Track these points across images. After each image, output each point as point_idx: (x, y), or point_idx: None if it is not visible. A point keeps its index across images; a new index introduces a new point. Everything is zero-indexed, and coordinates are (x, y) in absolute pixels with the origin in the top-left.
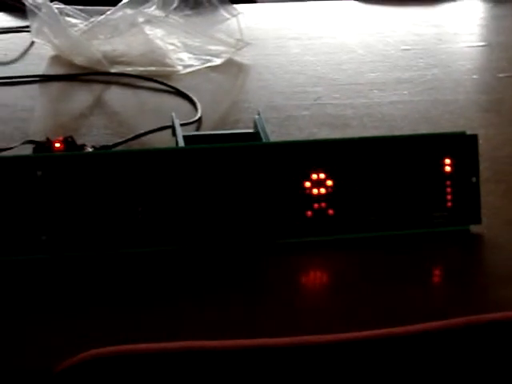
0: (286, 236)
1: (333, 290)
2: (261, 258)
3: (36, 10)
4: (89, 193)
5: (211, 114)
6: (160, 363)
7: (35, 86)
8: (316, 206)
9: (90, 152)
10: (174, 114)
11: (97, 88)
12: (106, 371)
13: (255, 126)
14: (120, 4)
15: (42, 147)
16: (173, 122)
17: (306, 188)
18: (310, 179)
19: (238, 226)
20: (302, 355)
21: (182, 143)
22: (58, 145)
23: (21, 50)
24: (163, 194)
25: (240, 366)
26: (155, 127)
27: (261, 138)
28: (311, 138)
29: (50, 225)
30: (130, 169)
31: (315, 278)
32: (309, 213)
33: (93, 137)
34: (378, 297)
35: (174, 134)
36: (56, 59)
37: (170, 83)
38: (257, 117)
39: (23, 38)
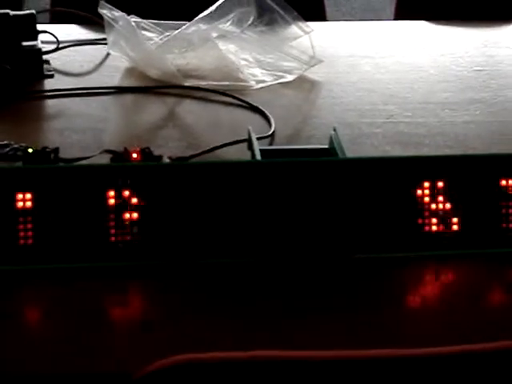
0: (362, 251)
1: (433, 303)
2: (343, 273)
3: (113, 23)
4: (167, 202)
5: (283, 129)
6: (240, 372)
7: (110, 98)
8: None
9: (169, 163)
10: (250, 128)
11: (170, 101)
12: (183, 378)
13: (331, 142)
14: (195, 19)
15: (120, 157)
16: (249, 136)
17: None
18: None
19: (313, 240)
20: (399, 367)
21: (258, 157)
22: (135, 155)
23: (96, 61)
24: (241, 207)
25: (337, 376)
26: (228, 141)
27: (337, 154)
28: (385, 155)
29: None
30: (208, 180)
31: (414, 292)
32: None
33: (168, 148)
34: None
35: (250, 147)
36: (131, 71)
37: (242, 98)
38: (333, 133)
39: (99, 50)
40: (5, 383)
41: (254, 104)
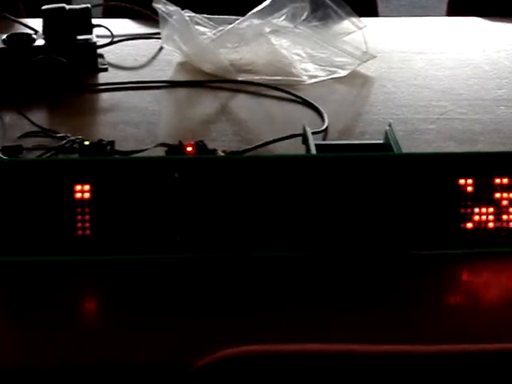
0: (418, 247)
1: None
2: (395, 269)
3: (167, 17)
4: (222, 196)
5: (336, 124)
6: (297, 364)
7: (163, 92)
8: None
9: (224, 156)
10: (305, 123)
11: (223, 95)
12: (243, 370)
13: (386, 138)
14: (248, 14)
15: (175, 150)
16: (304, 131)
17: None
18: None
19: (367, 235)
20: (442, 363)
21: (314, 152)
22: (189, 148)
23: (150, 56)
24: (296, 201)
25: (381, 370)
26: (281, 135)
27: (392, 150)
28: (439, 151)
29: (184, 225)
30: (264, 174)
31: (459, 289)
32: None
33: (222, 142)
34: None
35: (305, 142)
36: (183, 65)
37: (295, 93)
38: (388, 128)
39: (152, 45)
40: (63, 373)
41: (307, 99)
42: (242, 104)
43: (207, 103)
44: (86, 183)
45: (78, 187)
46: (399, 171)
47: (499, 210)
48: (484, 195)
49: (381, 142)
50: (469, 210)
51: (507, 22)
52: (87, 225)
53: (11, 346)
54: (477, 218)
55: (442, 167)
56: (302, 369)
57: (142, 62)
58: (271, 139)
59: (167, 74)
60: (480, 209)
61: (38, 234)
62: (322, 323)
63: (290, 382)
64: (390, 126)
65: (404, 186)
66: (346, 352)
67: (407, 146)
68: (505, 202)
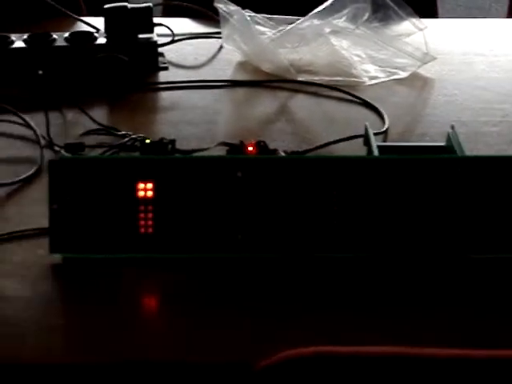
0: (478, 251)
1: None
2: (457, 272)
3: (228, 17)
4: (284, 196)
5: (397, 126)
6: (362, 367)
7: (223, 91)
8: None
9: (287, 156)
10: (367, 124)
11: (283, 95)
12: (307, 371)
13: (449, 140)
14: (309, 14)
15: (236, 149)
16: (366, 132)
17: None
18: None
19: (429, 238)
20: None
21: (376, 153)
22: (251, 148)
23: (210, 55)
24: (358, 202)
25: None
26: (341, 136)
27: (455, 152)
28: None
29: (246, 225)
30: (326, 175)
31: None
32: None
33: (282, 142)
34: None
35: (366, 143)
36: (243, 65)
37: (355, 93)
38: (451, 131)
39: (212, 44)
40: (128, 370)
41: (367, 100)
42: (301, 104)
43: (267, 103)
44: (149, 181)
45: (141, 185)
46: (463, 174)
47: None
48: None
49: (443, 144)
50: None
51: None
52: (150, 223)
53: (73, 341)
54: None
55: (504, 170)
56: (363, 370)
57: (202, 61)
58: (331, 140)
59: (227, 74)
60: None
61: (102, 232)
62: (385, 325)
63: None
64: (452, 128)
65: (467, 188)
66: (407, 355)
67: (468, 149)
68: None
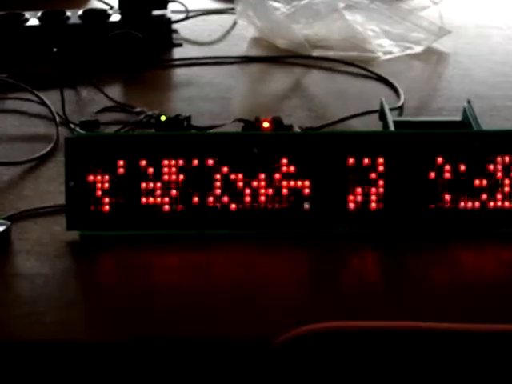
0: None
1: None
2: None
3: None
4: (301, 172)
5: (412, 100)
6: (372, 341)
7: (237, 67)
8: None
9: (301, 132)
10: (383, 99)
11: (298, 71)
12: (321, 346)
13: (465, 115)
14: None
15: (252, 125)
16: (382, 107)
17: None
18: None
19: (444, 213)
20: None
21: (392, 128)
22: (266, 124)
23: (224, 31)
24: (373, 177)
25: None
26: (356, 111)
27: (472, 127)
28: None
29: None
30: (341, 150)
31: None
32: None
33: (297, 118)
34: None
35: (382, 118)
36: (257, 41)
37: (370, 69)
38: (466, 105)
39: (226, 20)
40: (145, 346)
41: (382, 75)
42: (316, 80)
43: (281, 79)
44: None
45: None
46: (480, 148)
47: None
48: None
49: (459, 119)
50: None
51: None
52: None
53: (93, 318)
54: None
55: None
56: (374, 345)
57: (217, 37)
58: (346, 115)
59: (241, 50)
60: None
61: (118, 209)
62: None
63: (367, 358)
64: (468, 102)
65: (485, 163)
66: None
67: (485, 123)
68: None
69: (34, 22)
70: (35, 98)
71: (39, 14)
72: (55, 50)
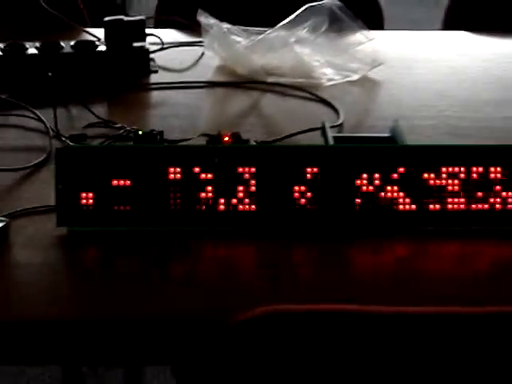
0: None
1: None
2: None
3: (208, 28)
4: (255, 178)
5: (350, 120)
6: (318, 323)
7: (205, 91)
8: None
9: (256, 145)
10: (324, 119)
11: (255, 94)
12: (274, 328)
13: (392, 131)
14: (276, 26)
15: (215, 139)
16: (323, 125)
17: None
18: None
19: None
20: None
21: (331, 142)
22: (227, 138)
23: (193, 60)
24: (316, 183)
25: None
26: (303, 129)
27: (397, 142)
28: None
29: (225, 201)
30: (289, 160)
31: None
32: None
33: (253, 133)
34: None
35: (323, 134)
36: (222, 69)
37: (315, 93)
38: (394, 124)
39: (195, 51)
40: (123, 325)
41: (325, 98)
42: (270, 102)
43: (241, 101)
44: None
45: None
46: (402, 159)
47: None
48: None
49: (388, 135)
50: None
51: (491, 35)
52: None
53: (80, 300)
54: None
55: (437, 156)
56: (320, 326)
57: (187, 65)
58: (295, 132)
59: (208, 76)
60: None
61: (99, 208)
62: None
63: (323, 339)
64: (395, 121)
65: (408, 171)
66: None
67: (409, 139)
68: None
69: (32, 50)
70: (32, 115)
71: (37, 44)
72: (50, 74)
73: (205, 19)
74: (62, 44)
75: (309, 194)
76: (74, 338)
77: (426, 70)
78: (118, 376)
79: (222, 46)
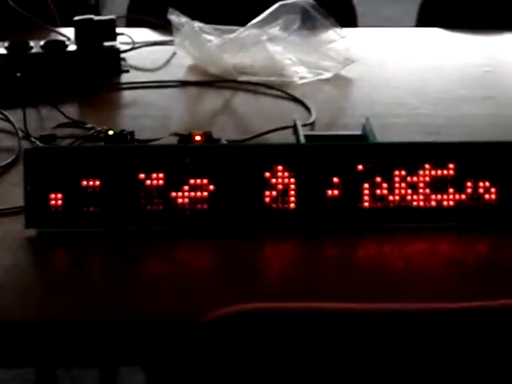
0: None
1: None
2: None
3: (179, 27)
4: (226, 177)
5: (322, 118)
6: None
7: (176, 90)
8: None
9: (226, 144)
10: (296, 118)
11: (227, 93)
12: (248, 325)
13: (364, 129)
14: (248, 24)
15: (186, 139)
16: (295, 124)
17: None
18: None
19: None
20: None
21: (303, 141)
22: (198, 138)
23: (165, 59)
24: (288, 182)
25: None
26: (275, 127)
27: (368, 140)
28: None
29: (192, 201)
30: (260, 159)
31: None
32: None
33: (225, 133)
34: None
35: (295, 133)
36: (193, 68)
37: (287, 91)
38: (365, 122)
39: (167, 50)
40: (88, 326)
41: (297, 97)
42: (242, 101)
43: (213, 100)
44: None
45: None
46: (373, 157)
47: None
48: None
49: (359, 133)
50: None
51: (465, 33)
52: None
53: (47, 301)
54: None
55: (409, 154)
56: (305, 325)
57: (158, 64)
58: (266, 130)
59: (179, 75)
60: None
61: (67, 209)
62: None
63: (296, 338)
64: (367, 119)
65: (377, 168)
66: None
67: (381, 137)
68: None
69: (1, 50)
70: (1, 116)
71: (6, 44)
72: (19, 74)
73: (176, 18)
74: (32, 44)
75: (278, 193)
76: (46, 339)
77: (399, 67)
78: (92, 377)
79: (193, 45)
